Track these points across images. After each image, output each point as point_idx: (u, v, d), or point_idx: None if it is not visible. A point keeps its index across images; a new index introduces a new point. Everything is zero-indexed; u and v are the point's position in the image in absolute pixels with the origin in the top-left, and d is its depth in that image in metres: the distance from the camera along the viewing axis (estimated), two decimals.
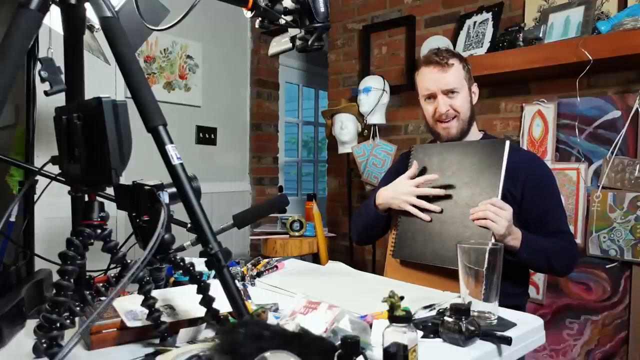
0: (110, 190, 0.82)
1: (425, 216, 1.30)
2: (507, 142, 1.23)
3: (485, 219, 1.18)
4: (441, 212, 1.29)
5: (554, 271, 1.39)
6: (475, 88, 1.47)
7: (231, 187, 3.24)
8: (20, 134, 1.60)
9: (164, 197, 0.73)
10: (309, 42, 1.01)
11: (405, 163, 1.44)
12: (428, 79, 1.41)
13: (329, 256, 2.60)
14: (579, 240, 2.09)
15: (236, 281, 0.80)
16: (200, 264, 0.81)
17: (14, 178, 1.69)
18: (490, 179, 1.23)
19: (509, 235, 1.21)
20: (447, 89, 1.39)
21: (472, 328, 0.80)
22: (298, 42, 1.04)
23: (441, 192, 1.29)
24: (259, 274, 1.28)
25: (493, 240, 1.16)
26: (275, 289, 1.16)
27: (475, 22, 2.43)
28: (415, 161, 1.38)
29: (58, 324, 0.70)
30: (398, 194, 1.36)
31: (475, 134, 1.48)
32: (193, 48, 2.93)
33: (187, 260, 0.82)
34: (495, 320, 0.91)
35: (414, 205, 1.32)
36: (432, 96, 1.42)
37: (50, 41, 1.22)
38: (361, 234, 1.59)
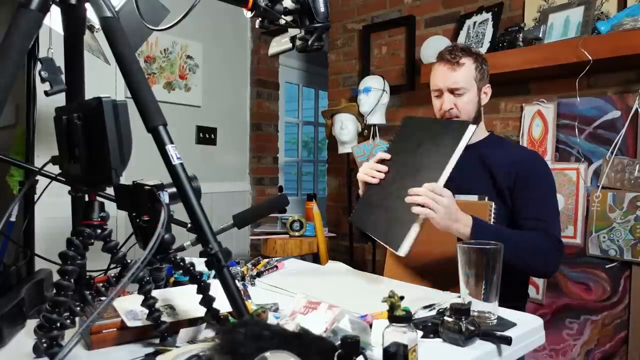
0: (110, 190, 0.82)
1: (369, 179, 1.31)
2: (471, 126, 1.18)
3: (423, 206, 1.10)
4: (385, 177, 1.30)
5: (528, 265, 1.26)
6: (487, 88, 1.48)
7: (231, 187, 3.24)
8: (20, 134, 1.60)
9: (164, 197, 0.73)
10: (309, 42, 1.01)
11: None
12: (438, 75, 1.43)
13: (329, 256, 2.60)
14: (578, 240, 2.10)
15: (236, 281, 0.80)
16: (200, 264, 0.81)
17: (14, 178, 1.69)
18: (440, 157, 1.18)
19: (456, 222, 1.15)
20: (453, 87, 1.40)
21: (472, 328, 0.80)
22: (298, 42, 1.04)
23: (383, 167, 1.30)
24: (259, 274, 1.28)
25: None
26: (275, 289, 1.16)
27: (475, 22, 2.43)
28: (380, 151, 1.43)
29: (58, 324, 0.70)
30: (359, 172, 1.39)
31: (481, 133, 1.48)
32: (193, 48, 2.93)
33: (187, 260, 0.82)
34: (495, 320, 0.91)
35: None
36: (439, 92, 1.44)
37: (50, 41, 1.22)
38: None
